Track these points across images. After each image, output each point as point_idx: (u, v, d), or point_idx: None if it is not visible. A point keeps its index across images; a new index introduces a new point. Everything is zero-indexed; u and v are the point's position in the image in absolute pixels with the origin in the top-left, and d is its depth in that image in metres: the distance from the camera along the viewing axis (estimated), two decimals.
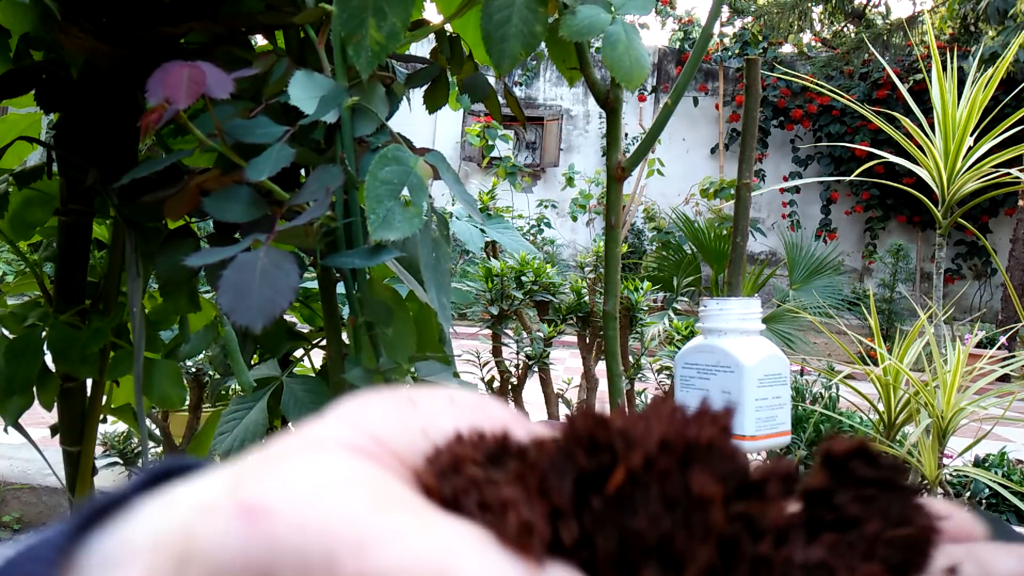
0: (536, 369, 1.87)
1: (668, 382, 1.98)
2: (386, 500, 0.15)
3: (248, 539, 0.15)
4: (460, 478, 0.16)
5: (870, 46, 3.72)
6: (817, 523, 0.16)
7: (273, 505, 0.15)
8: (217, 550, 0.15)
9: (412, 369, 0.72)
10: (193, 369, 1.89)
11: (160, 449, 2.02)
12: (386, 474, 0.17)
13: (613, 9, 0.64)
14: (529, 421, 0.20)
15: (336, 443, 0.17)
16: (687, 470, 0.16)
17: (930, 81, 1.64)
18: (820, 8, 11.04)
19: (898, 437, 1.67)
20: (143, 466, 0.74)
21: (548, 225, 8.27)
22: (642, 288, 1.88)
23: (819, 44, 11.63)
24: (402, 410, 0.19)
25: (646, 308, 1.91)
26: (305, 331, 1.03)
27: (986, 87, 1.58)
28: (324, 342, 0.83)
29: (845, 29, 11.47)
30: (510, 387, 1.89)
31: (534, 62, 10.43)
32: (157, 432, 1.98)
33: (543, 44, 0.69)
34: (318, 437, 0.17)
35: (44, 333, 0.80)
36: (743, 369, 0.66)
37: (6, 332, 0.85)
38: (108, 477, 2.29)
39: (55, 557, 0.16)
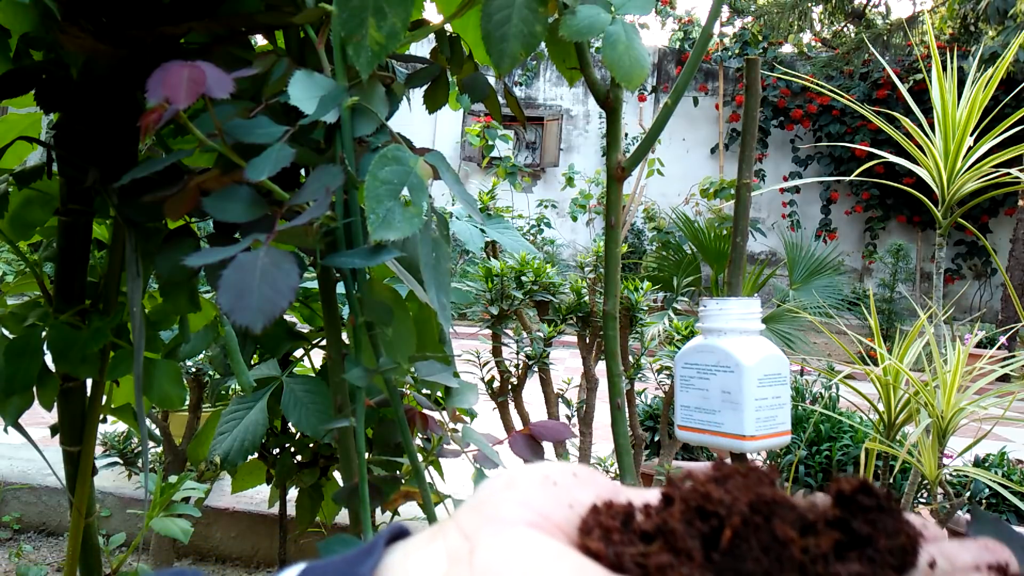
0: (536, 369, 1.87)
1: (668, 382, 1.98)
2: (581, 569, 0.20)
3: None
4: (616, 545, 0.22)
5: (870, 46, 3.72)
6: (842, 543, 0.23)
7: None
8: None
9: (412, 369, 0.72)
10: (193, 369, 1.89)
11: (160, 449, 2.02)
12: (566, 546, 0.22)
13: (613, 9, 0.64)
14: (625, 487, 0.26)
15: (519, 521, 0.22)
16: (771, 522, 0.22)
17: (930, 81, 1.64)
18: (820, 8, 11.04)
19: (898, 437, 1.67)
20: (143, 466, 0.74)
21: (548, 225, 8.26)
22: (642, 288, 1.88)
23: (819, 44, 11.62)
24: (549, 488, 0.24)
25: (646, 308, 1.90)
26: (305, 331, 1.03)
27: (986, 87, 1.57)
28: (324, 342, 0.83)
29: (845, 29, 11.46)
30: (510, 387, 1.89)
31: (534, 62, 10.43)
32: (157, 432, 1.98)
33: (543, 44, 0.69)
34: (502, 516, 0.22)
35: (44, 333, 0.80)
36: (743, 369, 0.66)
37: (6, 332, 0.85)
38: (108, 477, 2.29)
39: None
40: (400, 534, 0.25)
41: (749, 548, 0.21)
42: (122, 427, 2.27)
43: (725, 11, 10.56)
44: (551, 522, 0.23)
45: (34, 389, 0.83)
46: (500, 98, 0.90)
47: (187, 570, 0.26)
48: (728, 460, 0.68)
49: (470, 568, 0.21)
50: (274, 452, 1.14)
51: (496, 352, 1.89)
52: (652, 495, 0.24)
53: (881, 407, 1.62)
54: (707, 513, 0.22)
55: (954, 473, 1.88)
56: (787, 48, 11.27)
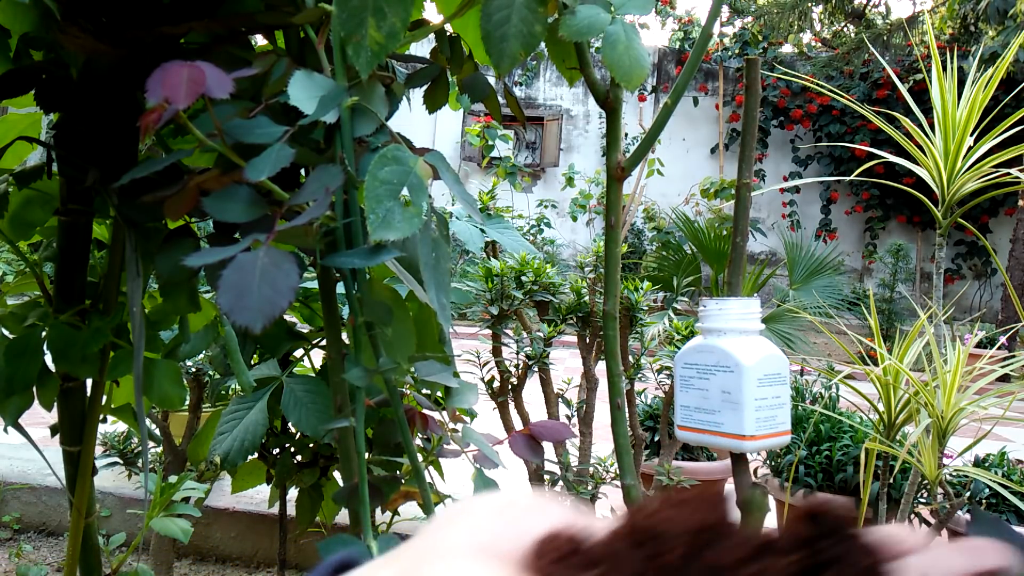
0: (536, 369, 1.87)
1: (668, 382, 1.98)
2: None
3: None
4: (559, 572, 0.22)
5: (870, 46, 3.72)
6: (811, 566, 0.22)
7: None
8: None
9: (412, 369, 0.72)
10: (193, 369, 1.89)
11: (160, 449, 2.02)
12: (510, 573, 0.22)
13: (613, 9, 0.64)
14: (581, 514, 0.26)
15: (467, 550, 0.23)
16: (717, 545, 0.21)
17: (930, 81, 1.64)
18: (820, 8, 11.04)
19: (898, 437, 1.67)
20: (143, 466, 0.74)
21: (548, 225, 8.27)
22: (642, 288, 1.88)
23: (819, 44, 11.62)
24: (498, 519, 0.24)
25: (646, 308, 1.90)
26: (305, 331, 1.03)
27: (986, 87, 1.57)
28: (324, 342, 0.83)
29: (845, 29, 11.46)
30: (510, 387, 1.89)
31: (534, 62, 10.43)
32: (157, 432, 1.98)
33: (543, 44, 0.69)
34: (450, 546, 0.23)
35: (44, 333, 0.80)
36: (743, 369, 0.66)
37: (6, 332, 0.85)
38: (108, 477, 2.29)
39: None
40: (350, 563, 0.25)
41: (695, 572, 0.21)
42: (122, 427, 2.27)
43: (725, 11, 10.56)
44: (499, 551, 0.23)
45: (34, 389, 0.83)
46: (500, 98, 0.90)
47: None
48: (728, 460, 0.68)
49: None
50: (274, 452, 1.14)
51: (496, 352, 1.89)
52: (611, 524, 0.24)
53: (881, 407, 1.62)
54: (652, 538, 0.22)
55: (954, 473, 1.88)
56: (787, 48, 11.27)
